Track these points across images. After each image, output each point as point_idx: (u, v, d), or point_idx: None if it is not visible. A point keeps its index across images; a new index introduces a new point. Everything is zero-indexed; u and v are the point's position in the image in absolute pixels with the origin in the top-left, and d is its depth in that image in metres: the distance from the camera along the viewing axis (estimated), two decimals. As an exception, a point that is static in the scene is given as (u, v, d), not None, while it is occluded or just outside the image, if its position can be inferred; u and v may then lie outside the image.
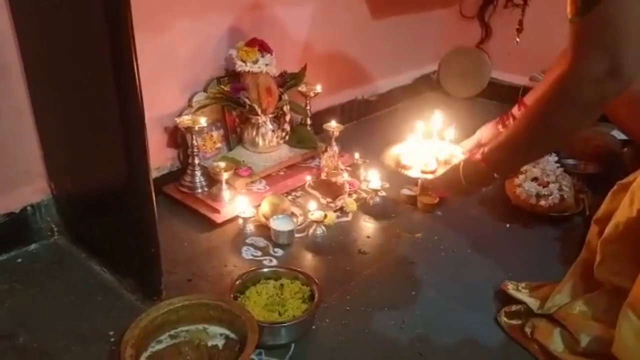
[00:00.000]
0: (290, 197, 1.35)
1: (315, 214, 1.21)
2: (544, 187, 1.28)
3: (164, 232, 1.09)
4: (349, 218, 1.29)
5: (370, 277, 1.10)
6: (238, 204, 1.24)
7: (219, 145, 1.40)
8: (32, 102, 1.09)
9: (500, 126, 1.24)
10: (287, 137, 1.43)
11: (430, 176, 1.18)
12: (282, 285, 0.99)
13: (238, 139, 1.43)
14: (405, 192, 1.37)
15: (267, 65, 1.33)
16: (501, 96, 1.98)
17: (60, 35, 0.94)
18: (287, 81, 1.43)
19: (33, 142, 1.12)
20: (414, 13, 1.94)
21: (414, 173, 1.24)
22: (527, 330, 0.94)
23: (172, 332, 0.89)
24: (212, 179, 1.29)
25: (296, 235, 1.20)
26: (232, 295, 0.94)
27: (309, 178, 1.37)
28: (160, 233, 0.97)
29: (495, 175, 0.98)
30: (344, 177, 1.37)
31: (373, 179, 1.34)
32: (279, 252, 1.16)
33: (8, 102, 1.06)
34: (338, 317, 0.99)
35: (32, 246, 1.15)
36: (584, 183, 1.38)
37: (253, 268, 1.04)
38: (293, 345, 0.92)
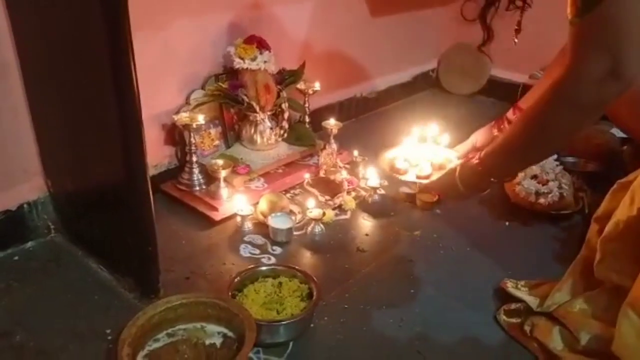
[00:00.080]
0: (288, 195, 1.34)
1: (314, 211, 1.21)
2: (543, 185, 1.28)
3: (161, 230, 1.08)
4: (348, 216, 1.29)
5: (368, 275, 1.09)
6: (236, 202, 1.24)
7: (217, 142, 1.39)
8: (29, 100, 1.08)
9: (495, 130, 1.24)
10: (285, 135, 1.42)
11: (425, 181, 1.18)
12: (280, 283, 0.99)
13: (236, 137, 1.42)
14: (404, 190, 1.36)
15: (265, 62, 1.33)
16: (500, 94, 1.98)
17: (58, 34, 0.94)
18: (286, 78, 1.43)
19: (30, 139, 1.11)
20: (413, 11, 1.94)
21: (408, 177, 1.24)
22: (527, 328, 0.94)
23: (169, 331, 0.89)
24: (210, 177, 1.28)
25: (294, 233, 1.20)
26: (230, 294, 0.94)
27: (307, 176, 1.36)
28: (158, 231, 0.96)
29: (493, 179, 0.97)
30: (343, 175, 1.36)
31: (372, 176, 1.34)
32: (277, 250, 1.16)
33: (5, 100, 1.05)
34: (336, 316, 0.98)
35: (29, 244, 1.14)
36: (584, 181, 1.38)
37: (251, 266, 1.04)
38: (291, 343, 0.92)
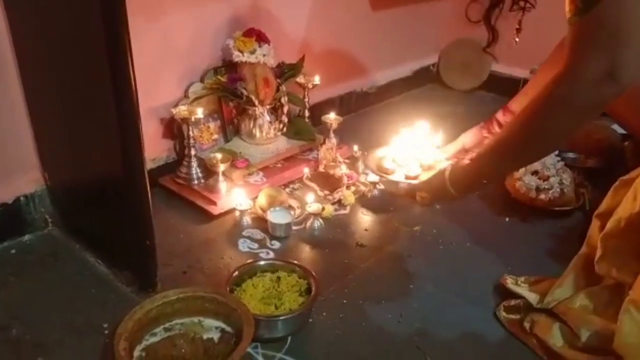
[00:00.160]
0: (287, 190, 1.33)
1: (313, 206, 1.20)
2: (544, 180, 1.27)
3: (159, 224, 1.08)
4: (347, 211, 1.28)
5: (368, 271, 1.09)
6: (235, 196, 1.23)
7: (215, 136, 1.38)
8: (26, 93, 1.07)
9: (484, 132, 1.23)
10: (284, 129, 1.42)
11: (414, 181, 1.17)
12: (278, 278, 0.98)
13: (235, 131, 1.41)
14: (404, 185, 1.35)
15: (264, 55, 1.32)
16: (501, 89, 1.97)
17: (55, 27, 0.93)
18: (285, 72, 1.41)
19: (27, 132, 1.10)
20: (414, 4, 1.92)
21: (397, 178, 1.24)
22: (526, 325, 0.93)
23: (166, 325, 0.88)
24: (208, 171, 1.28)
25: (293, 227, 1.19)
26: (228, 288, 0.93)
27: (306, 170, 1.35)
28: (156, 225, 0.96)
29: (485, 181, 0.97)
30: (342, 170, 1.35)
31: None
32: (276, 244, 1.15)
33: (2, 93, 1.04)
34: (335, 311, 0.98)
35: (26, 237, 1.14)
36: (584, 177, 1.37)
37: (249, 261, 1.03)
38: (289, 338, 0.91)
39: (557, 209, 1.26)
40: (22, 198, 1.12)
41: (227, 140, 1.40)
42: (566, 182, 1.28)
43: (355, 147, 1.46)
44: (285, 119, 1.40)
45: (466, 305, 1.01)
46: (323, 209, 1.21)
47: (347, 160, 1.43)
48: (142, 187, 0.91)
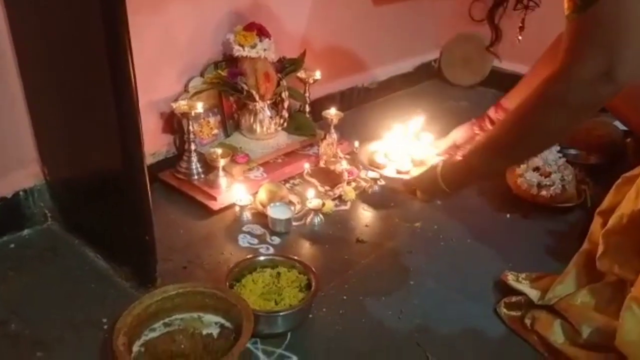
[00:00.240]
0: (288, 185, 1.33)
1: (313, 202, 1.19)
2: (545, 177, 1.27)
3: (159, 219, 1.07)
4: (347, 207, 1.28)
5: (368, 267, 1.08)
6: (235, 191, 1.23)
7: (215, 131, 1.38)
8: (25, 87, 1.06)
9: (476, 128, 1.23)
10: (285, 124, 1.41)
11: (406, 176, 1.17)
12: (278, 273, 0.98)
13: (235, 126, 1.41)
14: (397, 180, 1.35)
15: (265, 50, 1.31)
16: (502, 85, 1.95)
17: (54, 21, 0.92)
18: (286, 67, 1.41)
19: (26, 126, 1.10)
20: (416, 0, 1.91)
21: (388, 172, 1.23)
22: (527, 321, 0.93)
23: (166, 320, 0.88)
24: (208, 166, 1.27)
25: (294, 223, 1.19)
26: (227, 284, 0.93)
27: (307, 166, 1.35)
28: (156, 220, 0.95)
29: (476, 177, 0.96)
30: (343, 165, 1.35)
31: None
32: (276, 240, 1.15)
33: (1, 87, 1.03)
34: (335, 307, 0.97)
35: (25, 232, 1.13)
36: (586, 174, 1.36)
37: (249, 256, 1.03)
38: (289, 334, 0.91)
39: (558, 205, 1.26)
40: (21, 192, 1.12)
41: (227, 135, 1.40)
42: (568, 179, 1.27)
43: (356, 143, 1.45)
44: (285, 114, 1.39)
45: (467, 301, 1.00)
46: (323, 204, 1.21)
47: (347, 156, 1.42)
48: (142, 182, 0.90)
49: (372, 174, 1.31)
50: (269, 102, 1.36)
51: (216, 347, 0.83)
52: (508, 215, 1.27)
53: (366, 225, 1.22)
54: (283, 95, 1.37)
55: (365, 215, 1.26)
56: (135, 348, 0.82)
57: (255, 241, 1.14)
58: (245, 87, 1.31)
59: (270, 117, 1.37)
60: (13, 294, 0.98)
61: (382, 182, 1.33)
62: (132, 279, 1.01)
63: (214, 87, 1.32)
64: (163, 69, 1.28)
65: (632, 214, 0.85)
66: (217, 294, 0.88)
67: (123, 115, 0.86)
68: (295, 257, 1.01)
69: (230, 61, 1.35)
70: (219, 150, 1.26)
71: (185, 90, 1.31)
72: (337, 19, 1.67)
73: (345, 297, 1.00)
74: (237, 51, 1.29)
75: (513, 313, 0.96)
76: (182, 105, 1.23)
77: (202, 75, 1.33)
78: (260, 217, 1.20)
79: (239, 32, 1.29)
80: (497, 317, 0.96)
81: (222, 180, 1.24)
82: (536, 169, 1.29)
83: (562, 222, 1.24)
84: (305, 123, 1.47)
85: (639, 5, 0.70)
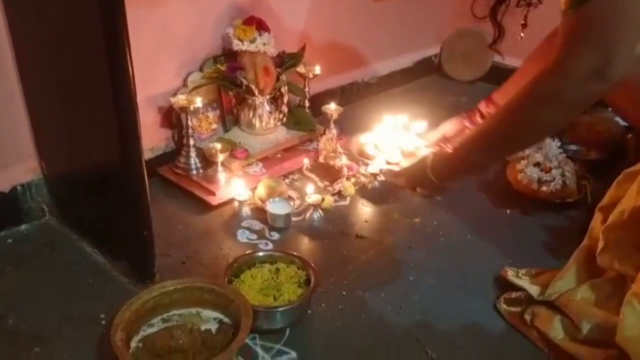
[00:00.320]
0: (287, 180, 1.32)
1: (313, 197, 1.19)
2: (546, 172, 1.26)
3: (158, 214, 1.07)
4: (347, 202, 1.27)
5: (367, 262, 1.08)
6: (234, 187, 1.22)
7: (214, 126, 1.37)
8: (22, 81, 1.06)
9: (466, 122, 1.23)
10: (284, 119, 1.40)
11: (395, 167, 1.17)
12: (277, 269, 0.98)
13: (234, 120, 1.40)
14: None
15: (264, 44, 1.30)
16: (503, 80, 1.94)
17: (52, 16, 0.91)
18: (285, 61, 1.40)
19: (23, 121, 1.09)
20: (417, -6, 1.91)
21: (378, 163, 1.23)
22: (527, 317, 0.93)
23: (164, 316, 0.87)
24: (207, 161, 1.26)
25: (293, 218, 1.18)
26: (226, 279, 0.93)
27: (306, 161, 1.34)
28: (154, 215, 0.95)
29: (466, 170, 0.97)
30: (342, 161, 1.34)
31: (372, 162, 1.32)
32: (275, 235, 1.14)
33: (-2, 81, 1.03)
34: (334, 302, 0.97)
35: (23, 227, 1.13)
36: (587, 169, 1.36)
37: (248, 251, 1.02)
38: (288, 330, 0.91)
39: (558, 201, 1.25)
40: (18, 187, 1.11)
41: (226, 130, 1.39)
42: (568, 174, 1.27)
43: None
44: (285, 109, 1.39)
45: (466, 297, 1.00)
46: (323, 200, 1.20)
47: (347, 152, 1.42)
48: (140, 177, 0.90)
49: (371, 169, 1.31)
50: (268, 96, 1.35)
51: (215, 343, 0.83)
52: (508, 211, 1.26)
53: (366, 221, 1.21)
54: (282, 90, 1.37)
55: (365, 210, 1.25)
56: (133, 344, 0.82)
57: (254, 236, 1.14)
58: (245, 82, 1.30)
59: (270, 112, 1.36)
60: (11, 289, 0.97)
61: (381, 178, 1.33)
62: (130, 274, 1.00)
63: (213, 82, 1.31)
64: (162, 63, 1.27)
65: (633, 210, 0.84)
66: (215, 290, 0.88)
67: (121, 110, 0.85)
68: (295, 253, 1.01)
69: (229, 55, 1.34)
70: (218, 145, 1.25)
71: (184, 84, 1.30)
72: (337, 13, 1.65)
73: (344, 293, 0.99)
74: (237, 45, 1.28)
75: (513, 309, 0.95)
76: (180, 99, 1.23)
77: (201, 69, 1.32)
78: (259, 213, 1.19)
79: (238, 26, 1.29)
80: (496, 313, 0.96)
81: (221, 175, 1.24)
82: (537, 164, 1.29)
83: (563, 218, 1.23)
84: (304, 118, 1.46)
85: (632, 3, 0.70)
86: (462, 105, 1.78)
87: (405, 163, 1.16)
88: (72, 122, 1.01)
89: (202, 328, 0.85)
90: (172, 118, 1.32)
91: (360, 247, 1.12)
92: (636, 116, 1.19)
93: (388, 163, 1.20)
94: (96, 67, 0.84)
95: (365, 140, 1.28)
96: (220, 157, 1.23)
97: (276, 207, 1.16)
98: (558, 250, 1.10)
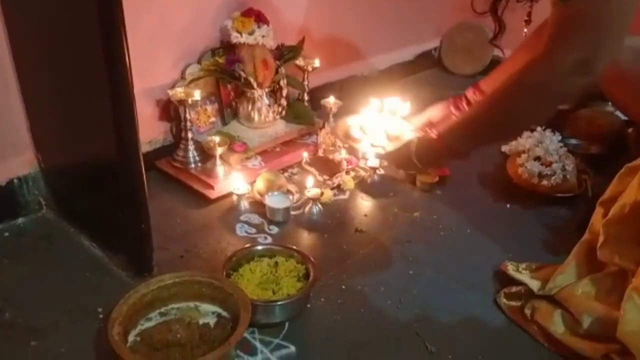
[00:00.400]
0: (286, 174, 1.32)
1: (312, 191, 1.18)
2: (546, 166, 1.26)
3: (156, 208, 1.07)
4: (346, 196, 1.26)
5: (367, 256, 1.07)
6: (232, 180, 1.21)
7: (213, 119, 1.36)
8: (18, 72, 1.05)
9: (452, 108, 1.23)
10: (283, 113, 1.39)
11: (380, 150, 1.18)
12: (276, 263, 0.97)
13: (233, 114, 1.39)
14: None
15: (263, 36, 1.29)
16: (503, 74, 1.94)
17: (48, 7, 0.90)
18: (285, 54, 1.39)
19: (20, 113, 1.08)
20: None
21: (363, 146, 1.24)
22: (527, 311, 0.92)
23: (162, 310, 0.87)
24: (206, 154, 1.26)
25: (292, 212, 1.18)
26: (225, 273, 0.92)
27: (305, 155, 1.33)
28: (153, 208, 0.94)
29: (449, 156, 0.98)
30: (342, 155, 1.33)
31: (371, 156, 1.31)
32: (274, 229, 1.14)
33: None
34: (334, 296, 0.97)
35: (20, 220, 1.12)
36: (587, 163, 1.35)
37: (247, 245, 1.02)
38: (287, 324, 0.90)
39: (559, 195, 1.25)
40: (15, 180, 1.10)
41: (224, 124, 1.38)
42: (569, 169, 1.26)
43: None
44: (284, 102, 1.38)
45: (466, 291, 1.00)
46: (322, 194, 1.20)
47: (346, 145, 1.40)
48: (138, 170, 0.89)
49: (371, 163, 1.30)
50: (267, 90, 1.34)
51: (213, 337, 0.82)
52: (508, 205, 1.26)
53: (365, 215, 1.21)
54: (281, 83, 1.35)
55: (364, 204, 1.25)
56: (130, 337, 0.82)
57: (253, 230, 1.13)
58: (243, 75, 1.29)
59: (269, 105, 1.35)
60: (7, 283, 0.97)
61: (381, 172, 1.32)
62: (128, 268, 1.00)
63: (211, 74, 1.30)
64: (159, 55, 1.26)
65: (634, 204, 0.84)
66: (214, 284, 0.87)
67: (118, 102, 0.84)
68: (294, 247, 1.00)
69: (228, 48, 1.33)
70: (217, 139, 1.24)
71: (182, 77, 1.29)
72: (337, 5, 1.64)
73: (343, 287, 0.99)
74: (235, 38, 1.27)
75: (513, 303, 0.95)
76: (178, 92, 1.22)
77: (199, 62, 1.31)
78: (258, 206, 1.19)
79: (237, 18, 1.27)
80: (496, 307, 0.96)
81: (220, 168, 1.23)
82: (537, 158, 1.28)
83: (563, 212, 1.23)
84: (303, 111, 1.45)
85: None
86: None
87: (390, 147, 1.17)
88: (69, 114, 1.00)
89: (201, 322, 0.85)
90: (170, 111, 1.31)
91: (360, 241, 1.12)
92: (637, 110, 1.19)
93: (373, 146, 1.20)
94: (93, 59, 0.83)
95: (352, 122, 1.28)
96: (219, 151, 1.22)
97: (275, 201, 1.15)
98: (558, 245, 1.10)
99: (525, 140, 1.37)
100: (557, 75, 0.77)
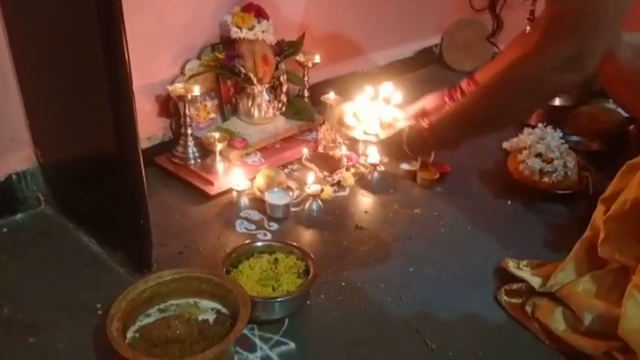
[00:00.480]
0: (286, 170, 1.31)
1: (312, 187, 1.18)
2: (548, 163, 1.25)
3: (155, 204, 1.06)
4: (347, 193, 1.26)
5: (367, 253, 1.07)
6: (232, 177, 1.21)
7: (212, 115, 1.35)
8: (17, 67, 1.04)
9: (446, 98, 1.23)
10: (283, 109, 1.39)
11: (372, 137, 1.19)
12: (276, 259, 0.97)
13: (233, 110, 1.38)
14: (405, 166, 1.33)
15: (263, 32, 1.28)
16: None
17: (47, 2, 0.89)
18: (285, 50, 1.38)
19: (18, 108, 1.07)
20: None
21: (356, 134, 1.24)
22: (528, 309, 0.92)
23: (161, 306, 0.86)
24: (205, 150, 1.25)
25: (292, 209, 1.17)
26: (224, 269, 0.92)
27: (305, 151, 1.33)
28: (152, 205, 0.93)
29: (438, 145, 1.01)
30: (342, 151, 1.33)
31: (372, 153, 1.31)
32: (274, 226, 1.13)
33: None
34: (333, 293, 0.96)
35: (18, 216, 1.11)
36: (588, 160, 1.35)
37: (247, 242, 1.01)
38: (287, 320, 0.90)
39: (560, 192, 1.24)
40: (14, 176, 1.10)
41: (224, 120, 1.37)
42: (570, 165, 1.26)
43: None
44: (284, 98, 1.37)
45: (467, 288, 0.99)
46: (322, 190, 1.19)
47: (347, 141, 1.40)
48: (137, 166, 0.88)
49: (371, 159, 1.30)
50: (267, 85, 1.33)
51: (212, 333, 0.82)
52: (509, 202, 1.25)
53: (365, 212, 1.20)
54: (281, 79, 1.35)
55: (365, 201, 1.24)
56: (129, 334, 0.81)
57: (253, 227, 1.13)
58: (243, 70, 1.28)
59: (269, 101, 1.35)
60: (6, 279, 0.96)
61: (382, 169, 1.32)
62: (127, 264, 0.99)
63: (210, 70, 1.29)
64: (159, 51, 1.25)
65: (635, 201, 0.83)
66: (213, 280, 0.87)
67: (117, 98, 0.83)
68: (293, 243, 1.00)
69: (227, 43, 1.32)
70: (216, 135, 1.24)
71: (182, 72, 1.28)
72: (338, 2, 1.63)
73: (344, 284, 0.99)
74: (235, 33, 1.26)
75: (514, 300, 0.95)
76: (178, 88, 1.21)
77: (198, 57, 1.31)
78: (258, 203, 1.18)
79: (237, 13, 1.27)
80: (497, 305, 0.95)
81: (219, 165, 1.23)
82: (538, 155, 1.28)
83: (564, 209, 1.22)
84: (303, 108, 1.44)
85: None
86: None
87: (382, 134, 1.17)
88: (68, 110, 0.99)
89: (200, 318, 0.85)
90: (170, 107, 1.30)
91: (360, 237, 1.11)
92: (638, 107, 1.18)
93: (366, 133, 1.20)
94: (92, 54, 0.82)
95: (345, 109, 1.28)
96: (219, 147, 1.21)
97: (275, 197, 1.15)
98: (559, 242, 1.09)
99: (527, 137, 1.36)
100: (547, 70, 0.78)
